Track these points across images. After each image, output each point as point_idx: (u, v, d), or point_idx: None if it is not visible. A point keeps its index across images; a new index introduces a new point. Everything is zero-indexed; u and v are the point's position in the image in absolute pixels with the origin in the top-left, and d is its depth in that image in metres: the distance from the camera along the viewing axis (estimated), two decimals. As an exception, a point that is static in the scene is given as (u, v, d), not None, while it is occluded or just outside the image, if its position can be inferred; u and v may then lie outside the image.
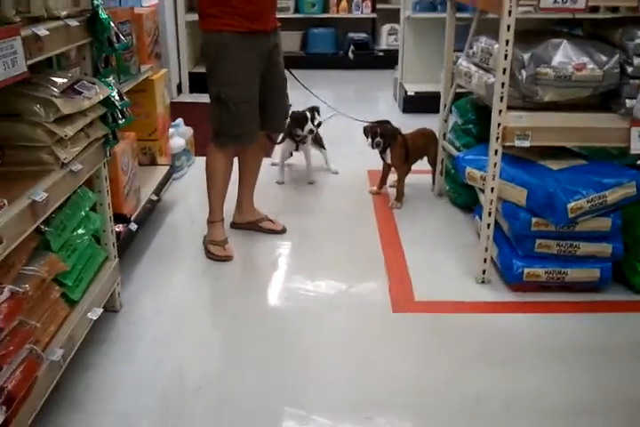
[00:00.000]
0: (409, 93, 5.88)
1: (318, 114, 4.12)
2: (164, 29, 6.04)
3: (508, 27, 2.56)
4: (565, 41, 2.71)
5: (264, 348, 2.53)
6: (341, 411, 2.21)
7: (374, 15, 8.16)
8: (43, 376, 1.92)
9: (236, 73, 2.94)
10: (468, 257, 3.13)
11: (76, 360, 2.31)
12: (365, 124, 3.85)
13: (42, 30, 1.83)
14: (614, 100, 2.72)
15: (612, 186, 2.73)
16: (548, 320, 2.70)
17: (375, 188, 4.01)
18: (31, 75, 2.04)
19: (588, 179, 2.75)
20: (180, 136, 4.25)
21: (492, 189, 2.82)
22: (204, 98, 3.21)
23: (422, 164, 4.03)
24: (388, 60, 7.14)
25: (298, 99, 4.01)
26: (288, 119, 3.87)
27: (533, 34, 2.84)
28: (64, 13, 2.04)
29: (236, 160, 3.32)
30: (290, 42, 8.05)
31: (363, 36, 8.12)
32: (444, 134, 3.80)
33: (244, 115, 3.02)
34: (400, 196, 3.81)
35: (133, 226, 3.01)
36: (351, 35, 8.11)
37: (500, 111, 2.69)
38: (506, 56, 2.61)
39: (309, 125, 3.98)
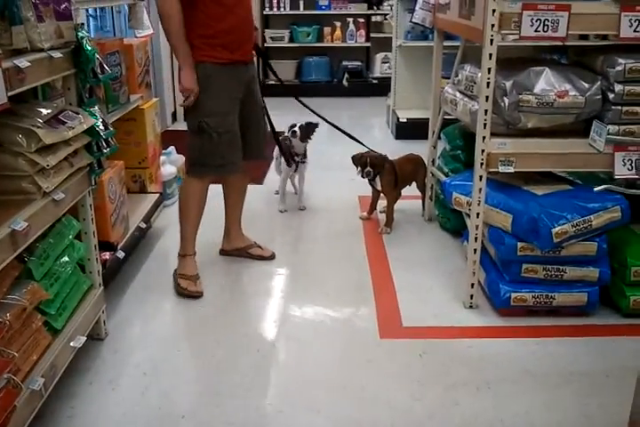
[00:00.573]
0: (401, 120, 5.94)
1: (313, 131, 4.10)
2: (159, 59, 6.12)
3: (490, 55, 2.60)
4: (547, 68, 2.75)
5: (249, 376, 2.52)
6: (325, 439, 2.19)
7: (368, 44, 8.27)
8: (22, 406, 1.91)
9: (219, 104, 2.92)
10: (457, 282, 3.13)
11: (60, 389, 2.31)
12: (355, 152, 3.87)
13: (23, 62, 1.86)
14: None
15: (597, 210, 2.75)
16: (536, 345, 2.69)
17: (365, 213, 4.03)
18: (16, 105, 2.09)
19: (573, 204, 2.77)
20: (171, 164, 4.29)
21: (478, 214, 2.83)
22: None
23: (413, 189, 4.06)
24: (382, 88, 7.22)
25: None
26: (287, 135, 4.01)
27: (516, 62, 2.89)
28: (47, 45, 2.07)
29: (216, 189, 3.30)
30: (285, 70, 8.15)
31: (357, 64, 8.23)
32: (433, 160, 3.83)
33: (227, 145, 2.99)
34: (389, 221, 3.83)
35: (121, 254, 3.02)
36: (345, 63, 8.22)
37: (484, 138, 2.71)
38: (488, 84, 2.64)
39: (295, 128, 4.00)
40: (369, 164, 3.74)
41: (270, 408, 2.34)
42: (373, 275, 3.32)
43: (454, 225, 3.65)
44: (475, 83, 2.94)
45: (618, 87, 2.67)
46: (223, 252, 3.49)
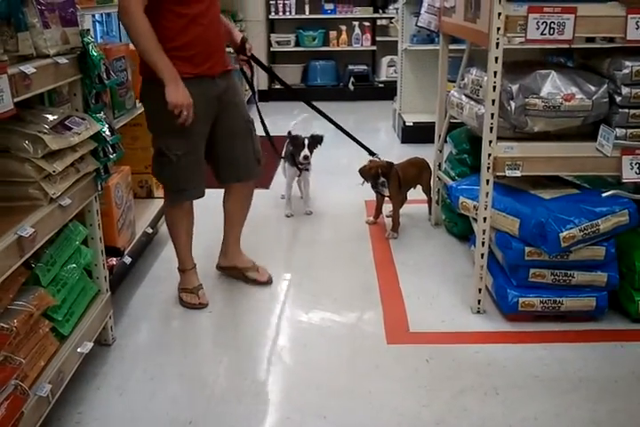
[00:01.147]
0: (407, 124, 5.94)
1: (319, 144, 4.09)
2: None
3: (496, 59, 2.59)
4: (554, 72, 2.74)
5: (256, 381, 2.52)
6: (333, 445, 2.18)
7: (374, 47, 8.28)
8: (30, 412, 1.91)
9: (177, 125, 2.63)
10: (464, 287, 3.12)
11: (67, 395, 2.31)
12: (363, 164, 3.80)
13: (29, 68, 1.87)
14: (604, 130, 2.74)
15: (605, 214, 2.73)
16: (544, 350, 2.68)
17: (371, 218, 4.03)
18: (22, 111, 2.09)
19: (581, 208, 2.75)
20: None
21: (485, 218, 2.82)
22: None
23: (420, 193, 4.05)
24: (388, 92, 7.23)
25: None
26: (288, 142, 4.01)
27: (522, 65, 2.87)
28: (53, 51, 2.07)
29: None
30: (291, 74, 8.19)
31: (362, 68, 8.23)
32: (440, 164, 3.82)
33: (187, 169, 2.81)
34: (396, 226, 3.82)
35: (127, 259, 3.02)
36: (351, 67, 8.23)
37: (491, 142, 2.70)
38: (494, 88, 2.64)
39: (305, 151, 3.99)
40: (380, 174, 3.67)
41: (277, 414, 2.33)
42: (380, 280, 3.31)
43: (461, 230, 3.64)
44: (481, 86, 2.93)
45: (625, 90, 2.65)
46: (219, 268, 3.34)
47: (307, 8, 8.13)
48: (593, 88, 2.69)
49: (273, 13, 8.19)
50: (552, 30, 2.52)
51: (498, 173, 2.73)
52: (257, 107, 3.25)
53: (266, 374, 2.56)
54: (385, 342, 2.75)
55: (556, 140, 2.79)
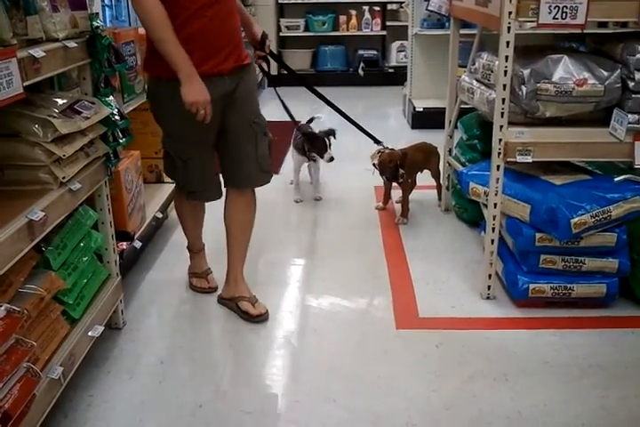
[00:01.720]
0: (417, 109, 5.91)
1: (334, 137, 4.05)
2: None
3: (508, 43, 2.57)
4: (566, 56, 2.71)
5: (266, 365, 2.53)
6: (342, 429, 2.19)
7: (384, 32, 8.22)
8: (42, 394, 1.92)
9: (177, 127, 2.52)
10: (474, 273, 3.11)
11: (78, 378, 2.33)
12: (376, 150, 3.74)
13: (38, 52, 1.86)
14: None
15: (617, 201, 2.71)
16: (554, 336, 2.67)
17: (381, 204, 4.02)
18: (32, 95, 2.09)
19: (592, 194, 2.73)
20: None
21: (495, 204, 2.81)
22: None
23: (430, 179, 4.04)
24: (398, 77, 7.20)
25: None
26: (302, 138, 3.96)
27: (534, 50, 2.84)
28: (62, 35, 2.07)
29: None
30: (300, 60, 8.17)
31: (372, 53, 8.18)
32: (450, 150, 3.80)
33: (192, 173, 2.66)
34: (405, 211, 3.81)
35: (137, 243, 3.03)
36: (361, 52, 8.18)
37: (502, 127, 2.68)
38: (506, 72, 2.61)
39: (329, 153, 3.92)
40: (400, 165, 3.60)
41: (286, 398, 2.34)
42: (390, 265, 3.31)
43: (471, 215, 3.63)
44: (492, 71, 2.90)
45: (638, 75, 2.62)
46: (219, 298, 2.97)
47: (316, -8, 8.08)
48: (605, 73, 2.66)
49: (282, -2, 8.14)
50: (564, 14, 2.49)
51: (509, 159, 2.71)
52: (276, 92, 3.16)
53: (275, 359, 2.57)
54: (394, 328, 2.75)
55: (568, 125, 2.76)
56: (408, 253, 3.44)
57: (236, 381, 2.44)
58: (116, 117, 2.42)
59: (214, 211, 2.93)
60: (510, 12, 2.50)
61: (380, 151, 3.68)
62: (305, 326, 2.80)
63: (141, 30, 3.34)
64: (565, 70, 2.67)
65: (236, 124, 2.63)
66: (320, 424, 2.20)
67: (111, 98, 2.45)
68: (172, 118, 2.52)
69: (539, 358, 2.53)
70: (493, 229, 2.84)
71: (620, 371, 2.46)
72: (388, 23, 8.16)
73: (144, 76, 3.15)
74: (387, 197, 3.99)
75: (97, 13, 2.45)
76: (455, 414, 2.24)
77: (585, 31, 2.89)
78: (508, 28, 2.54)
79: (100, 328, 2.37)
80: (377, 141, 3.69)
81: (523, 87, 2.67)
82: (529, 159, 2.70)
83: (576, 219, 2.64)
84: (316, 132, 4.09)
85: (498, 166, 2.74)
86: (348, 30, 8.22)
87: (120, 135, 2.46)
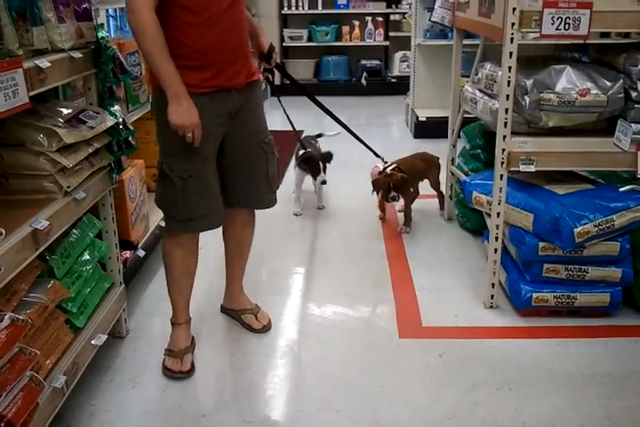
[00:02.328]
0: (420, 119, 5.93)
1: (328, 162, 4.04)
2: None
3: (510, 54, 2.58)
4: (569, 67, 2.72)
5: (268, 375, 2.53)
6: (345, 439, 2.19)
7: (387, 43, 8.26)
8: (44, 403, 1.93)
9: (182, 143, 2.26)
10: (477, 282, 3.12)
11: (81, 387, 2.33)
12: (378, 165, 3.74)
13: (44, 62, 1.88)
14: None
15: (620, 210, 2.72)
16: (558, 346, 2.67)
17: (380, 213, 4.01)
18: (37, 105, 2.10)
19: (595, 203, 2.74)
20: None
21: (498, 213, 2.81)
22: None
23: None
24: (401, 87, 7.22)
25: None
26: (300, 156, 3.96)
27: (537, 60, 2.86)
28: (68, 46, 2.08)
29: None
30: (303, 70, 8.22)
31: (375, 63, 8.22)
32: (453, 159, 3.81)
33: (192, 194, 2.36)
34: (408, 220, 3.82)
35: (141, 252, 3.04)
36: (364, 62, 8.22)
37: (505, 137, 2.69)
38: (509, 82, 2.62)
39: (322, 176, 3.94)
40: (392, 188, 3.59)
41: (289, 407, 2.34)
42: (393, 274, 3.31)
43: (474, 224, 3.63)
44: (495, 81, 2.92)
45: (641, 85, 2.64)
46: (222, 309, 2.97)
47: (319, 3, 8.11)
48: (608, 83, 2.68)
49: (286, 8, 8.18)
50: (567, 25, 2.50)
51: (512, 168, 2.72)
52: (280, 104, 3.06)
53: (278, 368, 2.57)
54: (397, 337, 2.75)
55: (571, 135, 2.77)
56: (411, 261, 3.44)
57: (239, 390, 2.44)
58: (121, 127, 2.43)
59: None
60: (513, 24, 2.52)
61: (380, 172, 3.66)
62: (308, 335, 2.80)
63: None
64: (568, 80, 2.68)
65: (245, 144, 2.50)
66: (323, 434, 2.20)
67: (116, 108, 2.47)
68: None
69: (542, 367, 2.53)
70: (496, 238, 2.84)
71: (625, 380, 2.45)
72: (391, 33, 8.20)
73: (148, 85, 3.17)
74: (382, 207, 3.98)
75: (102, 24, 2.47)
76: (458, 423, 2.23)
77: (587, 41, 2.91)
78: (511, 38, 2.55)
79: (104, 337, 2.37)
80: (377, 155, 3.66)
81: (526, 97, 2.69)
82: (532, 169, 2.71)
83: (579, 228, 2.65)
84: (315, 150, 4.12)
85: (501, 176, 2.74)
86: (350, 40, 8.25)
87: (124, 144, 2.47)
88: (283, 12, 8.19)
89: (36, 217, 1.92)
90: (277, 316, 2.92)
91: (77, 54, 2.12)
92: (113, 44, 2.41)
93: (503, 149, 2.70)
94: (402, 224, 3.84)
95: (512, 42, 2.56)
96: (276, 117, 3.06)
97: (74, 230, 2.30)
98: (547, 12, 2.48)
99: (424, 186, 4.03)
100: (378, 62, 8.23)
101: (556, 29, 2.51)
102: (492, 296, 2.93)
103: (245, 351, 2.68)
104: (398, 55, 7.98)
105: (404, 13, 7.84)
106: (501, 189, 2.77)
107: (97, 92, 2.42)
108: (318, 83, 8.23)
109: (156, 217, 3.41)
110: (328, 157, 4.04)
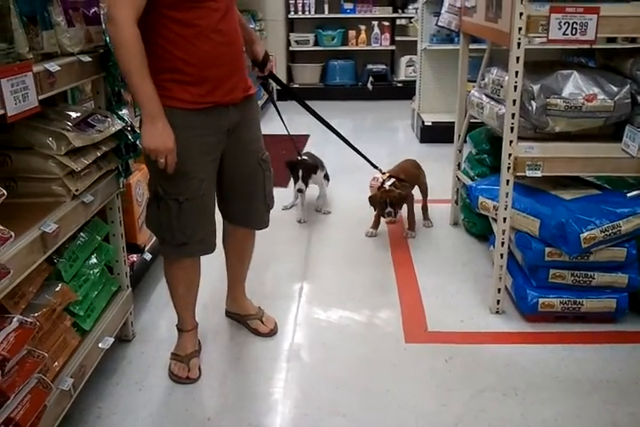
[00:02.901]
0: (426, 123, 5.93)
1: (313, 173, 4.03)
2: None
3: (517, 59, 2.58)
4: (575, 72, 2.72)
5: (274, 378, 2.53)
6: (350, 443, 2.19)
7: (393, 47, 8.27)
8: (52, 405, 1.93)
9: (184, 163, 2.16)
10: (483, 287, 3.11)
11: (88, 389, 2.34)
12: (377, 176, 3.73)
13: (54, 66, 1.88)
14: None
15: (627, 215, 2.71)
16: (564, 351, 2.66)
17: (372, 229, 3.89)
18: (46, 108, 2.11)
19: (602, 209, 2.73)
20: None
21: (505, 218, 2.81)
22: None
23: (438, 193, 4.05)
24: (407, 91, 7.22)
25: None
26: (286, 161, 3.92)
27: (544, 65, 2.86)
28: (77, 49, 2.09)
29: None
30: (310, 74, 8.24)
31: (381, 67, 8.23)
32: (459, 164, 3.81)
33: (189, 217, 2.27)
34: (412, 225, 3.82)
35: (147, 256, 3.04)
36: (370, 66, 8.23)
37: (511, 142, 2.69)
38: (515, 87, 2.63)
39: (299, 184, 3.93)
40: (389, 204, 3.58)
41: (295, 411, 2.34)
42: (399, 279, 3.31)
43: (480, 229, 3.63)
44: (501, 86, 2.92)
45: (648, 91, 2.64)
46: (227, 313, 2.96)
47: (326, 7, 8.13)
48: (615, 89, 2.68)
49: (292, 13, 8.19)
50: (574, 30, 2.50)
51: (518, 174, 2.72)
52: (277, 109, 2.99)
53: (283, 372, 2.57)
54: (403, 341, 2.75)
55: (578, 140, 2.77)
56: (417, 266, 3.44)
57: (245, 394, 2.44)
58: (129, 131, 2.44)
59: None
60: (520, 28, 2.52)
61: (379, 187, 3.65)
62: (313, 339, 2.80)
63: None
64: (575, 86, 2.69)
65: (244, 162, 2.43)
66: (329, 438, 2.20)
67: (124, 111, 2.48)
68: (188, 151, 2.18)
69: (549, 372, 2.53)
70: (503, 243, 2.84)
71: (631, 386, 2.45)
72: (397, 38, 8.21)
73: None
74: (376, 223, 3.91)
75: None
76: (464, 428, 2.23)
77: (594, 46, 2.91)
78: (518, 43, 2.55)
79: (110, 340, 2.38)
80: (374, 166, 3.63)
81: (532, 102, 2.69)
82: (538, 174, 2.71)
83: (586, 233, 2.64)
84: (311, 158, 4.13)
85: (507, 181, 2.74)
86: (357, 45, 8.26)
87: (132, 148, 2.48)
88: (289, 16, 8.21)
89: (44, 220, 1.93)
90: (283, 320, 2.92)
91: (86, 58, 2.13)
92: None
93: (509, 154, 2.70)
94: (407, 229, 3.83)
95: (519, 47, 2.56)
96: (278, 122, 3.06)
97: (81, 234, 2.32)
98: (554, 18, 2.48)
99: (431, 191, 4.04)
100: (384, 67, 8.24)
101: (563, 34, 2.51)
102: (498, 301, 2.92)
103: (251, 355, 2.68)
104: (404, 59, 7.98)
105: (411, 18, 7.84)
106: (508, 194, 2.77)
107: (105, 95, 2.43)
108: (324, 87, 8.24)
109: (163, 220, 3.41)
110: (311, 167, 4.01)
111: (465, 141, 3.77)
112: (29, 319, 1.79)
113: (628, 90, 2.67)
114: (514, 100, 2.64)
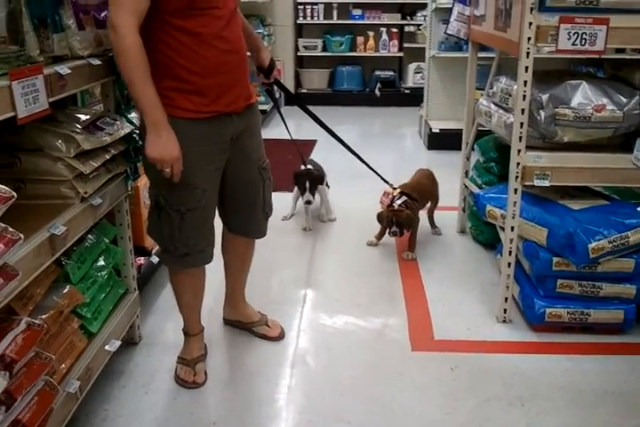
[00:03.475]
0: (434, 130, 5.93)
1: (320, 183, 4.03)
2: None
3: (526, 68, 2.58)
4: (584, 82, 2.73)
5: (279, 384, 2.52)
6: (355, 451, 2.18)
7: (401, 54, 8.27)
8: (59, 408, 1.93)
9: (186, 173, 2.13)
10: (490, 296, 3.11)
11: (94, 392, 2.34)
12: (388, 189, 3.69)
13: (64, 69, 1.89)
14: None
15: (635, 226, 2.71)
16: (570, 362, 2.65)
17: (374, 239, 3.87)
18: (56, 111, 2.12)
19: (610, 219, 2.73)
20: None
21: (512, 227, 2.80)
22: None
23: (446, 200, 4.04)
24: (414, 98, 7.23)
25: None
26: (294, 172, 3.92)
27: (552, 75, 2.86)
28: (87, 53, 2.09)
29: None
30: (317, 79, 8.25)
31: (389, 73, 8.23)
32: (467, 172, 3.81)
33: (191, 228, 2.26)
34: (412, 246, 3.69)
35: (155, 259, 3.04)
36: (378, 72, 8.23)
37: (519, 151, 2.69)
38: (524, 97, 2.62)
39: (307, 196, 3.91)
40: (395, 223, 3.53)
41: (300, 417, 2.33)
42: (405, 286, 3.30)
43: (487, 238, 3.63)
44: (510, 95, 2.92)
45: (657, 102, 2.63)
46: (225, 321, 2.93)
47: (334, 13, 8.15)
48: (624, 99, 2.68)
49: (301, 18, 8.21)
50: (584, 41, 2.49)
51: (526, 183, 2.71)
52: (282, 117, 2.99)
53: (289, 378, 2.57)
54: (409, 349, 2.75)
55: (586, 150, 2.77)
56: (424, 274, 3.44)
57: (249, 399, 2.44)
58: (137, 133, 2.45)
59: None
60: (529, 38, 2.52)
61: (388, 205, 3.60)
62: (319, 345, 2.79)
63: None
64: (584, 96, 2.69)
65: (247, 171, 2.42)
66: (333, 445, 2.19)
67: (133, 115, 2.48)
68: (191, 161, 2.13)
69: (554, 383, 2.52)
70: (510, 252, 2.83)
71: (636, 398, 2.43)
72: (406, 45, 8.21)
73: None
74: (380, 235, 3.86)
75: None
76: (469, 438, 2.23)
77: (603, 56, 2.91)
78: (527, 53, 2.55)
79: (117, 343, 2.38)
80: (385, 181, 3.60)
81: (541, 112, 2.69)
82: (546, 183, 2.71)
83: (593, 244, 2.64)
84: (315, 167, 4.11)
85: (515, 190, 2.74)
86: (365, 51, 8.27)
87: (140, 151, 2.48)
88: (298, 21, 8.23)
89: (53, 222, 1.93)
90: (289, 326, 2.92)
91: (96, 61, 2.13)
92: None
93: (518, 164, 2.70)
94: (406, 250, 3.71)
95: (528, 56, 2.56)
96: (289, 126, 3.07)
97: (89, 236, 2.32)
98: (563, 28, 2.48)
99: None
100: (392, 73, 8.25)
101: (572, 44, 2.51)
102: (505, 310, 2.92)
103: (256, 360, 2.68)
104: (412, 66, 7.99)
105: (419, 25, 7.86)
106: (515, 203, 2.76)
107: (114, 98, 2.44)
108: (332, 93, 8.25)
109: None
110: (317, 178, 4.00)
111: (473, 149, 3.76)
112: (37, 321, 1.79)
113: (637, 101, 2.67)
114: (522, 110, 2.64)
